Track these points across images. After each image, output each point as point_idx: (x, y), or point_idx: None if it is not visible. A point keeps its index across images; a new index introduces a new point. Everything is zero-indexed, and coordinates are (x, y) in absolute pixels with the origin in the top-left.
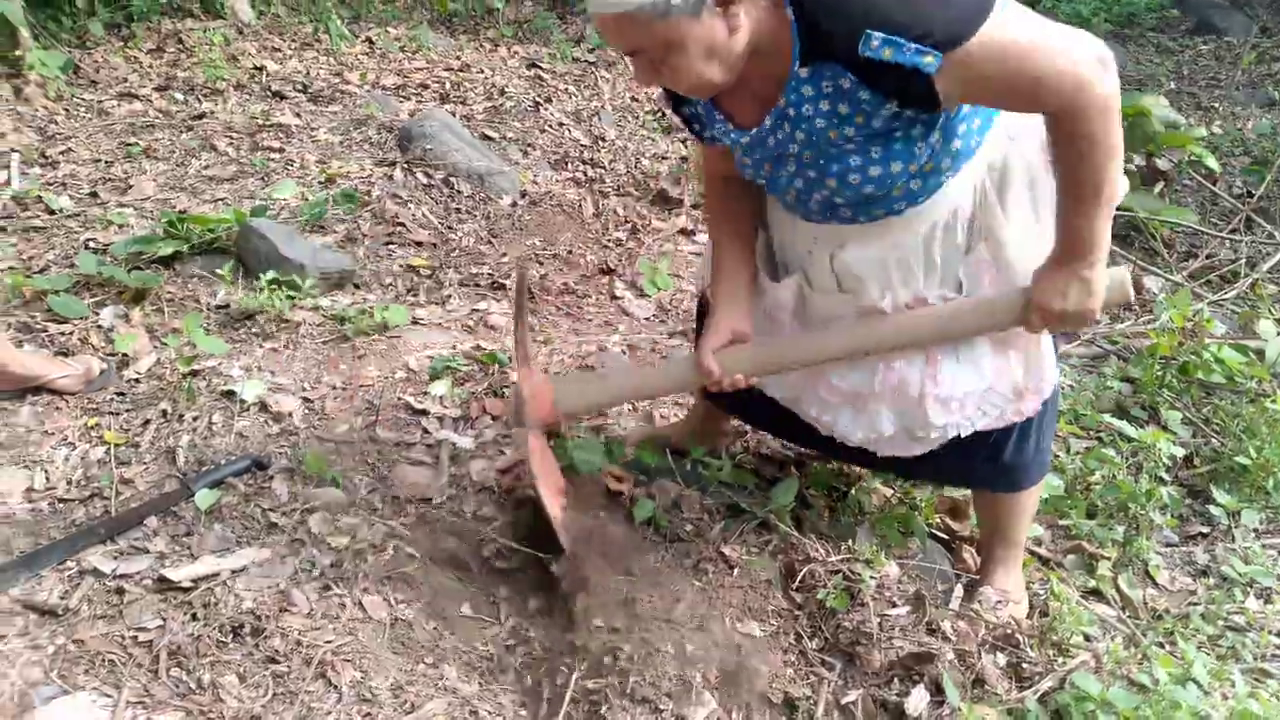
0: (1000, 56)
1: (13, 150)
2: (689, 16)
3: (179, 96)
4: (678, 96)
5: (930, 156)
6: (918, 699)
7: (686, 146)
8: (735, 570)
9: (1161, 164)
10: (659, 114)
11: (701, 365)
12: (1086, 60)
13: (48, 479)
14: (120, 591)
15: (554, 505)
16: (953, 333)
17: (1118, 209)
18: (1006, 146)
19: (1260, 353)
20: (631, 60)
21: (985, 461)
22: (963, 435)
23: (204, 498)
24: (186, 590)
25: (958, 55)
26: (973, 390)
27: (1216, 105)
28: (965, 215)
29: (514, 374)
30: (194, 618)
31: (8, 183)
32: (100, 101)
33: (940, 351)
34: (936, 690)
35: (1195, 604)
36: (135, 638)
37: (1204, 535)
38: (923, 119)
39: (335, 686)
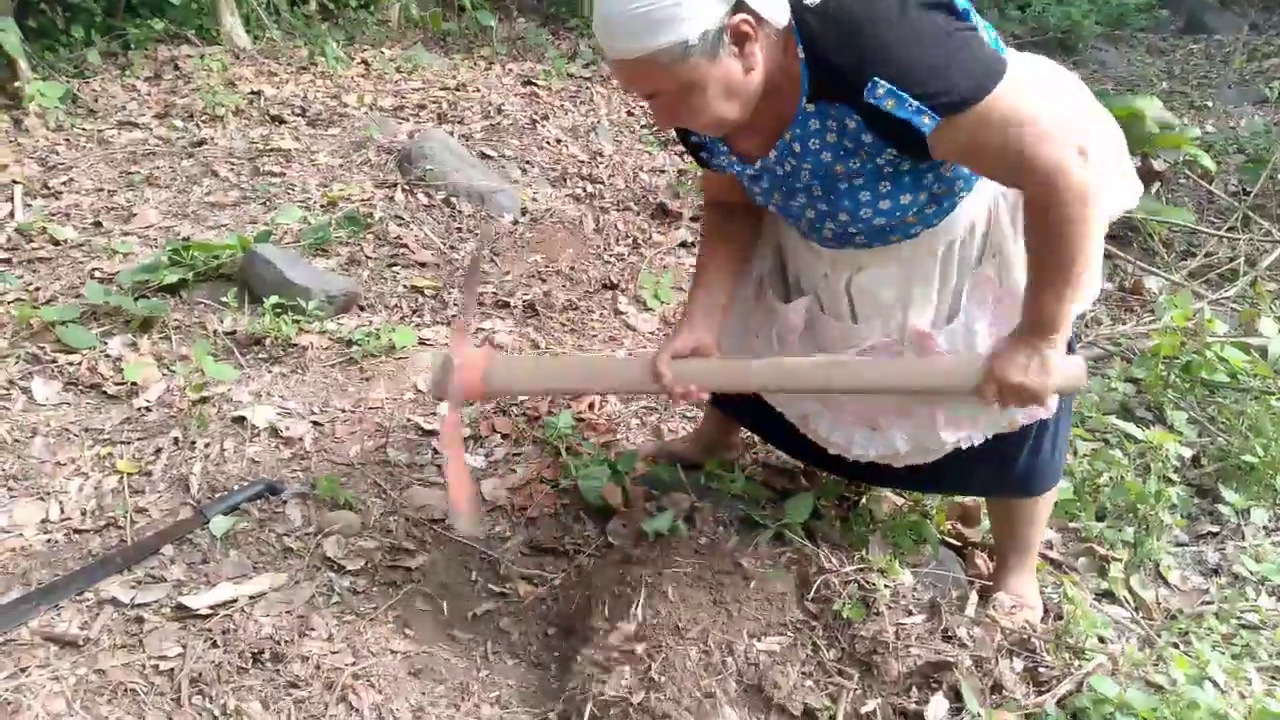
0: (992, 127)
1: (15, 182)
2: (707, 58)
3: (178, 124)
4: (683, 131)
5: (939, 183)
6: (937, 707)
7: (685, 160)
8: (751, 583)
9: (1157, 165)
10: (655, 128)
11: (654, 368)
12: (1069, 148)
13: (62, 510)
14: (139, 620)
15: (457, 490)
16: (914, 387)
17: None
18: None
19: (1263, 350)
20: (649, 103)
21: (998, 470)
22: (975, 445)
23: (219, 524)
24: (205, 617)
25: (955, 120)
26: (980, 407)
27: (1209, 104)
28: (980, 230)
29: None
30: (214, 645)
31: (12, 215)
32: (100, 130)
33: None
34: (955, 697)
35: (1208, 603)
36: (156, 666)
37: (1214, 534)
38: (922, 163)
39: (357, 710)
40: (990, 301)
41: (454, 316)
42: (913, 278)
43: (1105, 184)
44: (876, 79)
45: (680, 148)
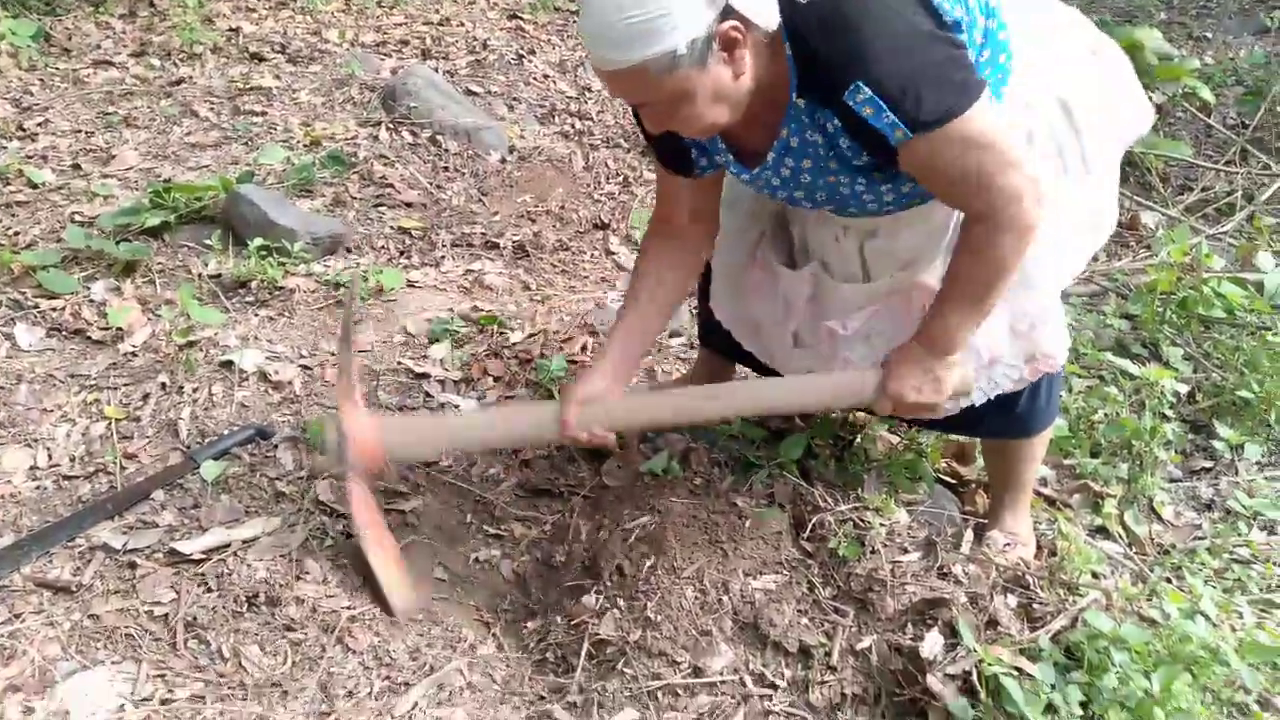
0: (962, 147)
1: None
2: (696, 67)
3: (155, 62)
4: (672, 134)
5: None
6: (932, 642)
7: None
8: (746, 522)
9: (1155, 97)
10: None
11: (560, 417)
12: (1030, 183)
13: (50, 456)
14: (132, 566)
15: (381, 561)
16: (810, 406)
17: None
18: (1026, 117)
19: (1260, 286)
20: (639, 111)
21: (999, 414)
22: (976, 404)
23: (210, 469)
24: (198, 562)
25: (925, 137)
26: (982, 369)
27: (1208, 35)
28: None
29: (514, 334)
30: (208, 589)
31: None
32: (75, 70)
33: None
34: (951, 633)
35: (1201, 538)
36: (150, 612)
37: (1207, 470)
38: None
39: (355, 651)
40: None
41: (337, 377)
42: (925, 237)
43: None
44: (859, 83)
45: None
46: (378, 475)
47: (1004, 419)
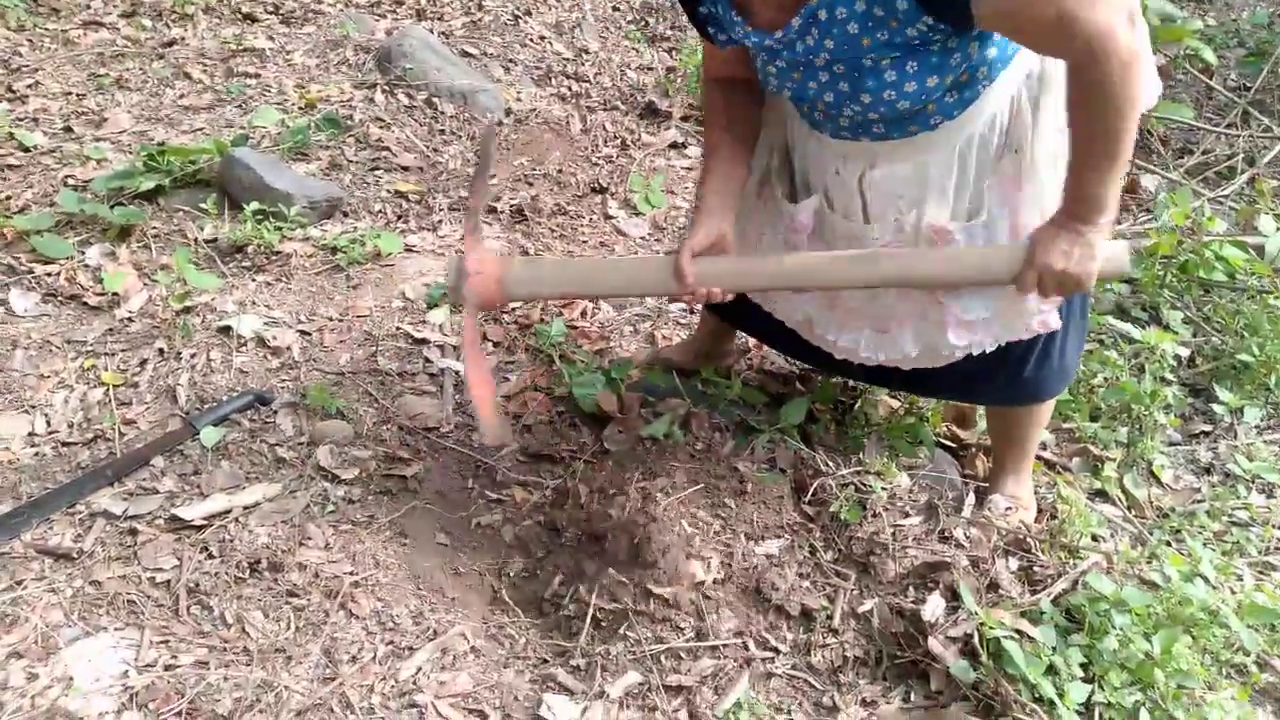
0: None
1: None
2: None
3: (146, 23)
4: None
5: (966, 67)
6: (934, 605)
7: (673, 57)
8: (748, 486)
9: (1157, 60)
10: (642, 24)
11: (679, 269)
12: (1119, 12)
13: (49, 423)
14: (133, 532)
15: (482, 399)
16: (948, 279)
17: None
18: (1032, 58)
19: (1260, 249)
20: None
21: (1007, 378)
22: (987, 351)
23: (209, 435)
24: (200, 529)
25: None
26: (993, 309)
27: None
28: (1002, 125)
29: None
30: (210, 555)
31: None
32: (65, 31)
33: None
34: (952, 596)
35: (1200, 501)
36: (153, 578)
37: (1207, 433)
38: (955, 35)
39: (358, 617)
40: (1012, 199)
41: (466, 205)
42: (929, 173)
43: (1149, 58)
44: None
45: (668, 44)
46: (493, 308)
47: (1013, 385)
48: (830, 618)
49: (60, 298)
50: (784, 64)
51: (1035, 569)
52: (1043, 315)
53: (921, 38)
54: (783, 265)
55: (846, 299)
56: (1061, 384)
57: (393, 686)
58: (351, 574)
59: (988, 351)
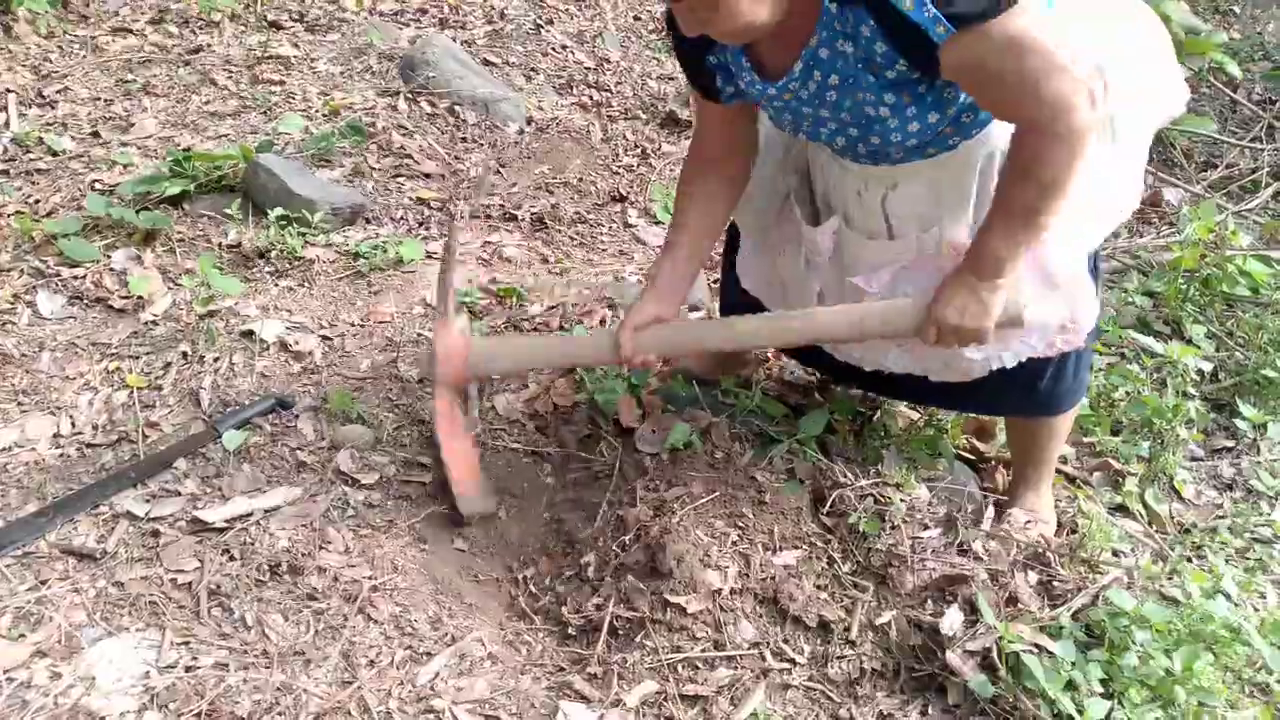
0: (1005, 48)
1: (8, 90)
2: None
3: (173, 30)
4: (698, 51)
5: (967, 106)
6: (952, 619)
7: None
8: (766, 497)
9: (1183, 73)
10: (663, 34)
11: (615, 340)
12: (1081, 88)
13: (73, 424)
14: (155, 534)
15: (457, 471)
16: (856, 333)
17: None
18: None
19: None
20: (675, 9)
21: (1023, 391)
22: (1007, 366)
23: (231, 438)
24: (221, 531)
25: (969, 34)
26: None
27: (1235, 9)
28: None
29: (533, 307)
30: (231, 558)
31: (7, 124)
32: (94, 37)
33: None
34: (971, 610)
35: (1222, 517)
36: (174, 580)
37: (1229, 449)
38: (934, 82)
39: (376, 621)
40: None
41: (440, 294)
42: (949, 191)
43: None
44: None
45: None
46: (461, 386)
47: (1031, 398)
48: (848, 629)
49: (86, 300)
50: (794, 109)
51: (1055, 583)
52: (1066, 334)
53: (906, 82)
54: (707, 330)
55: None
56: (1078, 397)
57: (410, 691)
58: (370, 578)
59: (1007, 366)
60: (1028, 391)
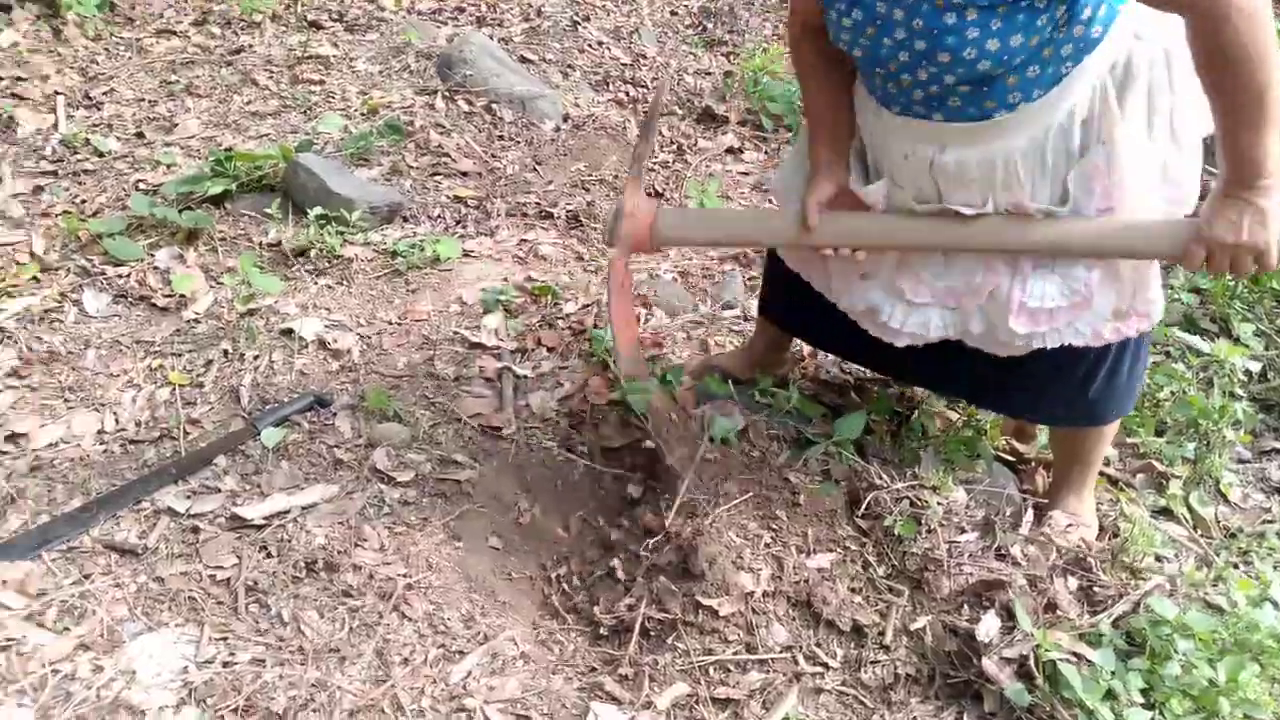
0: None
1: (57, 93)
2: None
3: (216, 31)
4: None
5: (1051, 32)
6: (989, 625)
7: (730, 62)
8: (801, 498)
9: None
10: (700, 28)
11: (803, 216)
12: None
13: (117, 421)
14: (195, 530)
15: (622, 336)
16: (1104, 250)
17: None
18: (1131, 45)
19: None
20: None
21: (1071, 393)
22: (1048, 346)
23: (270, 436)
24: (259, 528)
25: None
26: (1062, 305)
27: None
28: (1081, 116)
29: (568, 305)
30: (268, 555)
31: (55, 126)
32: (139, 39)
33: (1039, 265)
34: (1008, 616)
35: (1270, 522)
36: (213, 576)
37: (1278, 451)
38: None
39: (410, 619)
40: (1099, 192)
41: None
42: (1003, 160)
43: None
44: None
45: (725, 49)
46: (641, 250)
47: (1077, 402)
48: (882, 634)
49: (130, 299)
50: (860, 15)
51: (1095, 589)
52: (1120, 323)
53: None
54: (909, 227)
55: (916, 277)
56: (1128, 404)
57: (443, 690)
58: (405, 576)
59: (1048, 347)
60: (1079, 396)
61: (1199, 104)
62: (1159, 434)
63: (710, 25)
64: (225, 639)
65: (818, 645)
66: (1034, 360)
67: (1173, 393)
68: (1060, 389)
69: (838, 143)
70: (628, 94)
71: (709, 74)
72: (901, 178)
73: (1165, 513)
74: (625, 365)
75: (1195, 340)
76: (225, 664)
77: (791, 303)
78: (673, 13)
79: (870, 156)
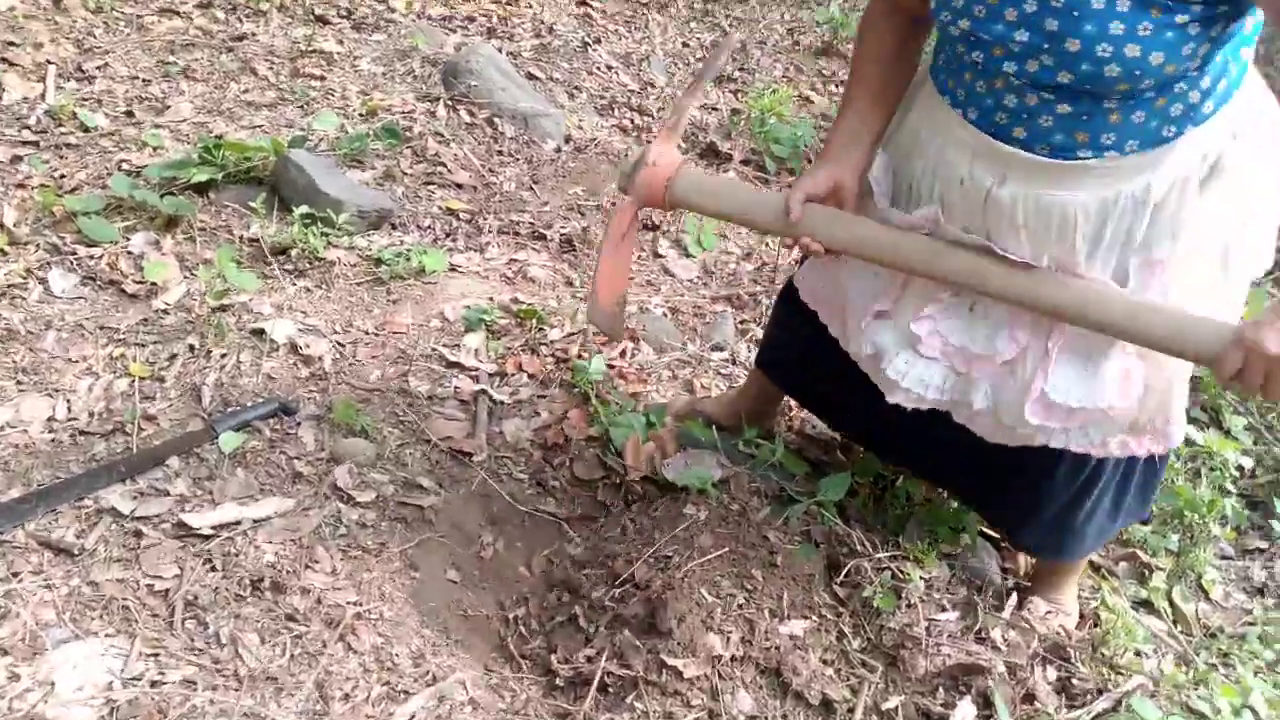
0: None
1: (49, 62)
2: None
3: (220, 15)
4: None
5: (1188, 68)
6: (965, 711)
7: (738, 99)
8: (778, 558)
9: None
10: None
11: (786, 203)
12: None
13: (69, 409)
14: (138, 534)
15: (606, 287)
16: (1137, 330)
17: None
18: (1226, 143)
19: None
20: None
21: (1054, 510)
22: (1051, 445)
23: (228, 440)
24: (206, 538)
25: None
26: (1083, 405)
27: None
28: (1156, 198)
29: (553, 331)
30: (213, 568)
31: (43, 96)
32: (140, 16)
33: (1067, 350)
34: (984, 704)
35: (1251, 624)
36: (151, 586)
37: (1262, 551)
38: (1221, 10)
39: (356, 651)
40: (1155, 289)
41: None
42: (1061, 212)
43: None
44: None
45: (734, 86)
46: (653, 205)
47: (1056, 524)
48: (851, 711)
49: (99, 282)
50: None
51: (1074, 681)
52: (1128, 436)
53: None
54: (900, 242)
55: (933, 323)
56: (1096, 545)
57: None
58: (355, 604)
59: (1051, 446)
60: (1064, 508)
61: (1262, 245)
62: (1144, 522)
63: (721, 61)
64: (156, 655)
65: (784, 717)
66: (1020, 457)
67: (1160, 482)
68: (1051, 500)
69: (857, 140)
70: (632, 121)
71: (716, 110)
72: (953, 207)
73: (1146, 605)
74: (600, 318)
75: (1188, 430)
76: (153, 683)
77: (791, 359)
78: (684, 44)
79: (915, 175)
